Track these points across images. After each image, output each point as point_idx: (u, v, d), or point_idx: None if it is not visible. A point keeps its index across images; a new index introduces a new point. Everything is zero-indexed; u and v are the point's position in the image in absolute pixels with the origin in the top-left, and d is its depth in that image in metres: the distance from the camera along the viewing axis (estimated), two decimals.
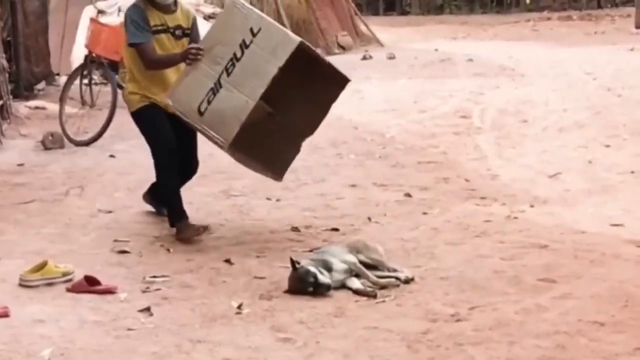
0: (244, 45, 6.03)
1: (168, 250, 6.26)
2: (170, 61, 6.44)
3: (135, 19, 6.38)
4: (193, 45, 6.24)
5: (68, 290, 5.41)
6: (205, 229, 6.37)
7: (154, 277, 5.66)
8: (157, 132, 6.49)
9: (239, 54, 6.04)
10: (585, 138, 9.59)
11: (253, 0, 17.63)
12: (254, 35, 6.02)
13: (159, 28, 6.45)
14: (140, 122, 6.61)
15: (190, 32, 6.59)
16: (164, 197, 6.59)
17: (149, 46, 6.38)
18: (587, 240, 6.23)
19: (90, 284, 5.39)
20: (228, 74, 6.06)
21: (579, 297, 5.16)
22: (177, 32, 6.54)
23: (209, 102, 6.08)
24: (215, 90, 6.07)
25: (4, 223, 6.95)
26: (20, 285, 5.49)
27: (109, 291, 5.37)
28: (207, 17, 15.11)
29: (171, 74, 6.48)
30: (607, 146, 9.18)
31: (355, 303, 5.19)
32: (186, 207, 6.57)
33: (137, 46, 6.39)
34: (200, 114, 6.11)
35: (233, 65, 6.05)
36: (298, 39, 6.03)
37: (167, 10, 6.50)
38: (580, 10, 28.74)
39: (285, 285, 5.38)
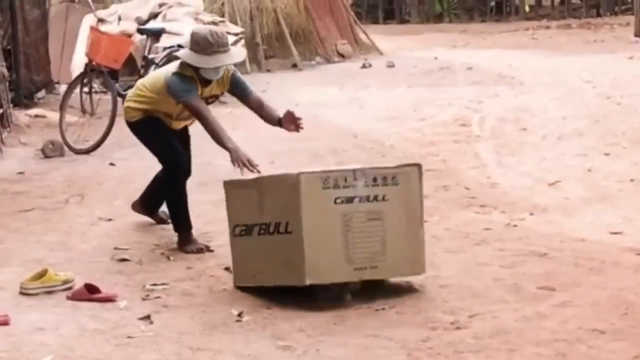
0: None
1: (168, 258, 6.26)
2: (220, 137, 6.14)
3: (187, 83, 6.20)
4: (251, 159, 5.93)
5: (68, 298, 5.42)
6: (207, 249, 6.37)
7: (154, 285, 5.66)
8: (162, 137, 6.48)
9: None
10: (584, 146, 9.59)
11: (253, 10, 17.60)
12: None
13: None
14: (141, 131, 6.58)
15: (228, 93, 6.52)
16: (172, 203, 6.57)
17: (200, 99, 6.26)
18: (586, 248, 6.22)
19: (90, 292, 5.40)
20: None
21: (578, 305, 5.16)
22: (210, 100, 6.50)
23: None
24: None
25: (3, 231, 6.96)
26: (21, 293, 5.49)
27: (109, 299, 5.38)
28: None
29: (174, 124, 6.53)
30: (607, 154, 9.18)
31: (355, 311, 5.19)
32: None
33: (189, 102, 6.23)
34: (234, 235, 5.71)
35: None
36: None
37: (207, 84, 6.36)
38: (580, 18, 28.68)
39: (284, 293, 5.37)
